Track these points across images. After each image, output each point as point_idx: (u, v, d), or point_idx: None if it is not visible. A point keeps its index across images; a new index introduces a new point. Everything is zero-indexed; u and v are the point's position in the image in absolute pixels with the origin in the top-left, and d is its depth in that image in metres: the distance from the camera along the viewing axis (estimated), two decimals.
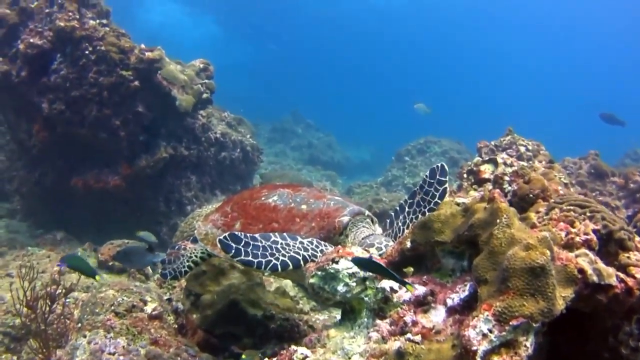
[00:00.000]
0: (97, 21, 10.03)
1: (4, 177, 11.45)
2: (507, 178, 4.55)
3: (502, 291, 2.89)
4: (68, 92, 9.64)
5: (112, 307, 4.64)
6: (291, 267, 3.88)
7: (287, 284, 8.05)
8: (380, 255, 3.97)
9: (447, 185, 4.22)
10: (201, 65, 10.92)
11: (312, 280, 3.90)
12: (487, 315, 2.81)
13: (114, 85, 9.65)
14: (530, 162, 7.53)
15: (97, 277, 5.01)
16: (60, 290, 5.82)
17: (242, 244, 3.79)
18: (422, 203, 4.27)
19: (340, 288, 3.82)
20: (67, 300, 6.52)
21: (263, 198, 4.62)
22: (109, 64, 9.64)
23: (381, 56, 62.84)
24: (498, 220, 3.26)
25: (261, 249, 3.85)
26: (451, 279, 3.75)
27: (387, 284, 3.74)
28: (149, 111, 10.03)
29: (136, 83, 9.69)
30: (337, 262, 3.87)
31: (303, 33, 57.47)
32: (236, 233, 3.84)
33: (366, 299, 3.74)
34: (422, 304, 3.63)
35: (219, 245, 3.75)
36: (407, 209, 4.37)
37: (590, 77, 59.66)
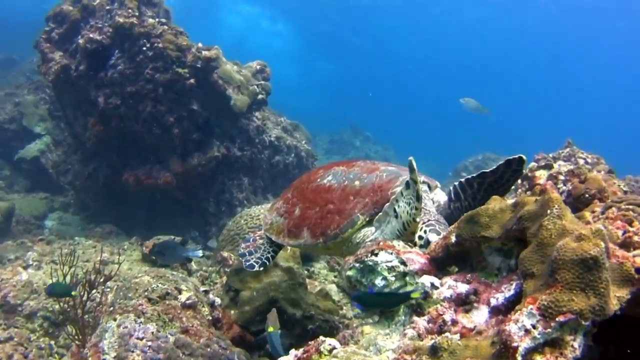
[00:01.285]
0: (157, 19, 10.09)
1: (59, 170, 11.64)
2: (562, 177, 4.29)
3: (549, 284, 2.64)
4: (124, 88, 9.73)
5: (146, 293, 4.53)
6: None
7: (332, 288, 7.87)
8: (422, 248, 3.74)
9: (522, 173, 4.05)
10: (258, 67, 10.89)
11: (349, 273, 3.72)
12: (532, 309, 2.56)
13: (170, 82, 9.69)
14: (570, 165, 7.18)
15: (73, 293, 5.24)
16: (100, 279, 5.81)
17: None
18: (494, 186, 4.08)
19: (378, 282, 3.64)
20: (107, 288, 6.52)
21: (319, 179, 4.58)
22: (165, 61, 9.68)
23: (443, 72, 62.30)
24: (549, 211, 3.01)
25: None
26: (497, 278, 3.51)
27: (427, 279, 3.52)
28: (203, 110, 10.02)
29: (192, 81, 9.70)
30: (376, 255, 3.68)
31: (368, 47, 57.49)
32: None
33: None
34: (464, 303, 3.40)
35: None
36: (475, 187, 4.10)
37: None
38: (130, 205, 10.60)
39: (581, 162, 8.14)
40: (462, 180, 4.13)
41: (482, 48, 57.18)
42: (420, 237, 3.87)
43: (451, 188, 4.19)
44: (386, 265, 3.62)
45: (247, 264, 5.14)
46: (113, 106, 9.73)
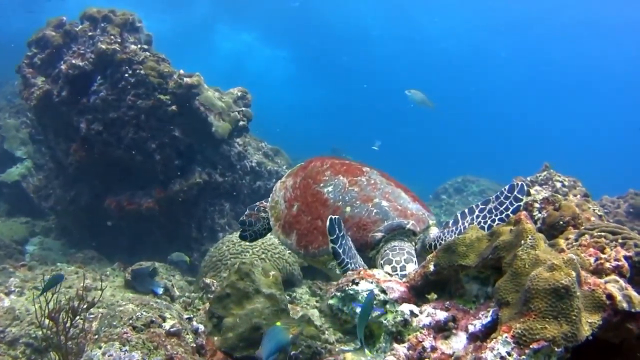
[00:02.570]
0: (139, 46, 10.20)
1: (41, 194, 11.63)
2: (537, 205, 4.41)
3: (523, 313, 2.77)
4: (106, 114, 9.80)
5: (130, 321, 4.58)
6: None
7: (314, 313, 7.94)
8: (402, 277, 3.81)
9: (522, 203, 4.10)
10: (239, 93, 10.99)
11: (330, 302, 3.82)
12: (506, 337, 2.68)
13: (152, 109, 9.78)
14: (565, 196, 7.33)
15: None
16: (83, 305, 5.83)
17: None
18: (494, 211, 4.15)
19: (359, 310, 3.73)
20: (90, 315, 6.54)
21: (322, 185, 4.67)
22: (147, 87, 9.78)
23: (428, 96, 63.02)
24: (523, 242, 3.14)
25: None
26: (475, 305, 3.63)
27: (406, 307, 3.63)
28: (185, 136, 10.09)
29: (174, 108, 9.79)
30: (357, 284, 3.78)
31: (358, 72, 58.18)
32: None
33: (384, 322, 3.63)
34: (442, 330, 3.51)
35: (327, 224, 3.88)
36: (476, 212, 4.23)
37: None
38: (112, 231, 10.58)
39: (558, 184, 8.34)
40: (466, 208, 4.31)
41: (470, 74, 58.14)
42: (394, 268, 3.98)
43: (451, 220, 4.34)
44: (366, 294, 3.72)
45: (243, 234, 5.66)
46: (95, 132, 9.79)
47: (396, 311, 3.61)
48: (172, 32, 38.79)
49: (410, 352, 3.42)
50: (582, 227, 4.11)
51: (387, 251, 3.99)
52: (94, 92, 9.86)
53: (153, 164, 9.96)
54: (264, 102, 11.64)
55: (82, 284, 7.59)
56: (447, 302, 3.71)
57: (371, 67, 56.81)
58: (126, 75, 9.74)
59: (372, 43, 53.44)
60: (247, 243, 8.55)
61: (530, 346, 2.66)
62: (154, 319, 4.75)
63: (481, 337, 3.42)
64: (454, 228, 4.24)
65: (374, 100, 60.75)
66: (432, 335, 3.49)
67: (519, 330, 2.68)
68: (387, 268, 3.80)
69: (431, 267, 3.78)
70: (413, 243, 4.23)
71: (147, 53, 10.07)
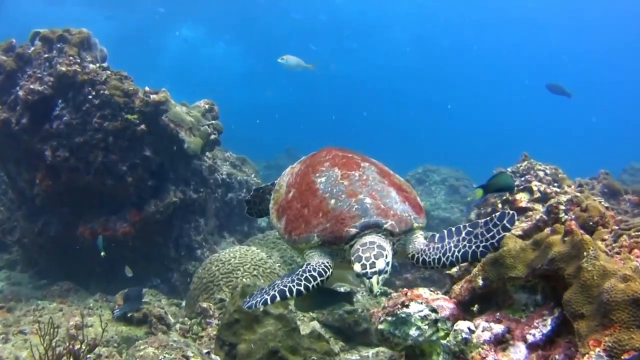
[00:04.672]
0: (97, 64, 10.06)
1: (4, 228, 11.32)
2: (562, 207, 4.57)
3: (605, 325, 2.91)
4: (72, 139, 9.62)
5: None
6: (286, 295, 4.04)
7: (314, 325, 8.02)
8: (372, 275, 3.81)
9: (509, 233, 4.03)
10: (206, 106, 10.96)
11: (381, 327, 3.90)
12: (599, 352, 2.83)
13: (120, 130, 9.66)
14: (560, 186, 7.58)
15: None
16: (84, 348, 5.70)
17: (254, 297, 4.12)
18: (480, 237, 4.12)
19: (413, 332, 3.83)
20: (89, 357, 6.41)
21: (317, 175, 4.75)
22: (113, 108, 9.65)
23: (370, 89, 64.00)
24: (585, 253, 3.28)
25: (268, 288, 4.15)
26: (524, 314, 3.76)
27: (464, 324, 3.75)
28: (156, 155, 10.02)
29: (143, 127, 9.70)
30: (407, 306, 3.88)
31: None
32: (253, 292, 4.16)
33: (444, 341, 3.74)
34: (500, 342, 3.64)
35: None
36: (463, 234, 4.24)
37: (581, 93, 60.60)
38: (85, 259, 10.41)
39: (541, 174, 8.61)
40: (453, 227, 4.32)
41: (413, 61, 59.14)
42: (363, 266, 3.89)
43: (425, 257, 4.27)
44: (419, 316, 3.82)
45: (249, 211, 5.94)
46: (61, 159, 9.60)
47: (454, 330, 3.71)
48: (116, 33, 38.37)
49: None
50: (614, 227, 4.28)
51: (358, 247, 3.99)
52: (57, 117, 9.67)
53: (125, 187, 9.86)
54: (218, 100, 11.55)
55: (72, 322, 7.51)
56: (498, 314, 3.84)
57: (330, 62, 57.20)
58: (90, 97, 9.59)
59: (330, 37, 53.69)
60: (237, 261, 8.57)
61: (622, 357, 2.80)
62: None
63: (542, 346, 3.57)
64: (439, 245, 4.25)
65: (331, 96, 61.33)
66: (493, 350, 3.61)
67: (609, 343, 2.83)
68: (357, 266, 3.79)
69: (480, 282, 3.90)
70: (390, 242, 4.21)
71: (109, 72, 9.95)
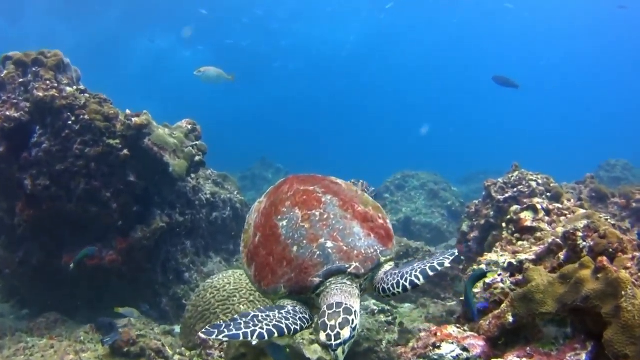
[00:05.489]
0: (75, 87, 9.94)
1: None
2: (580, 234, 4.62)
3: None
4: (52, 166, 9.48)
5: None
6: (276, 334, 3.96)
7: (316, 349, 8.00)
8: (337, 347, 3.74)
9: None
10: (189, 127, 10.87)
11: None
12: None
13: (102, 156, 9.54)
14: (558, 200, 7.66)
15: None
16: None
17: (223, 327, 3.94)
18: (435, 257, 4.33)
19: None
20: None
21: (279, 217, 4.74)
22: (94, 133, 9.52)
23: (342, 95, 64.72)
24: (623, 292, 3.34)
25: (243, 323, 3.99)
26: (555, 347, 3.83)
27: None
28: (140, 180, 9.91)
29: (125, 152, 9.59)
30: (439, 347, 3.91)
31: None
32: (216, 324, 3.99)
33: None
34: None
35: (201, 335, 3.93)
36: (417, 262, 4.39)
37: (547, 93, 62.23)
38: (70, 287, 10.27)
39: (534, 184, 8.72)
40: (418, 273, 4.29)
41: (385, 68, 59.90)
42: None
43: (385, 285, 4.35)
44: (451, 357, 3.85)
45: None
46: (42, 187, 9.46)
47: None
48: (80, 44, 38.03)
49: None
50: (634, 253, 4.35)
51: (324, 309, 3.92)
52: (36, 144, 9.53)
53: (110, 214, 9.74)
54: (190, 109, 11.43)
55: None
56: (528, 348, 3.90)
57: (302, 72, 57.75)
58: (69, 122, 9.46)
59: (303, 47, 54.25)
60: (232, 287, 8.54)
61: None
62: None
63: None
64: (396, 272, 4.34)
65: (304, 104, 61.72)
66: None
67: None
68: (322, 335, 3.75)
69: (510, 319, 3.94)
70: (357, 285, 4.26)
71: (87, 95, 9.82)
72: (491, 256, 5.66)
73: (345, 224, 4.55)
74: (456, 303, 10.58)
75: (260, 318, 4.04)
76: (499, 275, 5.19)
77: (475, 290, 5.27)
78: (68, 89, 9.83)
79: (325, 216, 4.59)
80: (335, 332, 3.73)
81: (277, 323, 4.01)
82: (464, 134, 63.76)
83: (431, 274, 4.10)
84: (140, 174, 9.95)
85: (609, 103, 63.07)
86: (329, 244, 4.35)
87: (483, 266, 4.65)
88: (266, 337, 3.92)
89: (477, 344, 3.95)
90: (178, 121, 11.19)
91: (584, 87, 62.55)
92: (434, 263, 4.22)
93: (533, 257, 5.20)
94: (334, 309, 3.89)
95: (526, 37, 55.33)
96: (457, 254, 4.36)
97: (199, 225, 11.65)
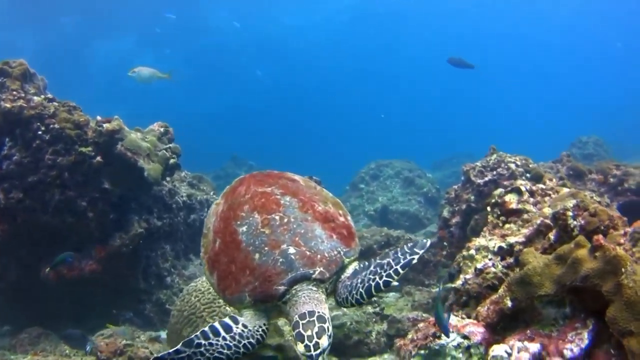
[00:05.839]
0: (42, 96, 9.79)
1: None
2: (570, 213, 4.65)
3: None
4: (24, 179, 9.34)
5: None
6: None
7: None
8: (318, 357, 3.76)
9: (417, 256, 4.09)
10: (161, 129, 10.76)
11: None
12: None
13: (75, 165, 9.43)
14: (539, 180, 7.71)
15: None
16: None
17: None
18: (385, 267, 4.17)
19: None
20: None
21: (239, 223, 4.64)
22: (65, 142, 9.40)
23: (310, 89, 65.03)
24: (623, 269, 3.37)
25: (186, 358, 4.05)
26: (555, 328, 3.86)
27: (501, 349, 3.80)
28: (115, 186, 9.81)
29: (99, 159, 9.48)
30: (439, 337, 3.90)
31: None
32: (161, 355, 4.07)
33: None
34: None
35: None
36: (371, 267, 4.27)
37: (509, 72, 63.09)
38: (51, 301, 10.14)
39: (512, 166, 8.77)
40: (366, 262, 4.37)
41: (354, 55, 60.23)
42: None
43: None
44: (452, 345, 3.86)
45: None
46: (15, 201, 9.31)
47: (492, 357, 3.76)
48: (40, 52, 37.55)
49: None
50: (626, 229, 4.39)
51: (297, 319, 3.91)
52: (6, 157, 9.39)
53: (87, 223, 9.64)
54: (156, 112, 11.25)
55: None
56: (528, 331, 3.93)
57: (268, 68, 57.81)
58: (39, 132, 9.33)
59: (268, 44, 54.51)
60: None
61: None
62: None
63: None
64: (348, 284, 4.29)
65: (271, 100, 61.75)
66: None
67: None
68: (300, 347, 3.74)
69: (509, 303, 3.96)
70: (323, 290, 4.26)
71: (56, 103, 9.69)
72: (480, 241, 5.69)
73: (307, 227, 4.50)
74: (441, 289, 10.64)
75: (203, 349, 4.05)
76: (490, 259, 5.22)
77: (467, 276, 5.30)
78: (36, 98, 9.68)
79: (286, 220, 4.53)
80: (313, 342, 3.73)
81: (218, 355, 4.03)
82: (433, 120, 64.17)
83: (383, 289, 4.07)
84: (115, 180, 9.84)
85: (575, 80, 63.96)
86: (292, 249, 4.29)
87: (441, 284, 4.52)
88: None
89: (477, 331, 3.97)
90: (149, 125, 11.06)
91: (548, 65, 63.38)
92: (388, 271, 4.13)
93: (522, 239, 5.23)
94: (307, 318, 3.88)
95: (492, 17, 55.86)
96: (417, 251, 4.13)
97: (177, 228, 11.58)
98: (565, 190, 6.53)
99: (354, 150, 43.30)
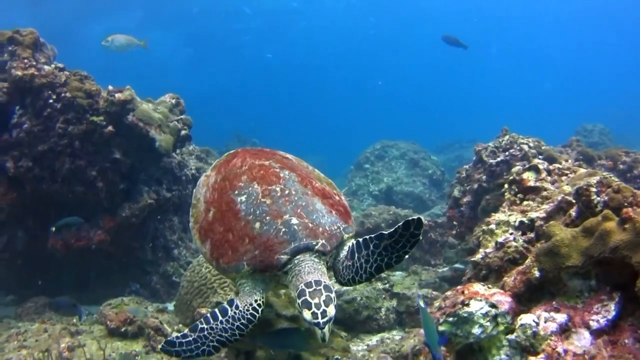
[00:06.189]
0: (53, 65, 9.79)
1: None
2: (593, 189, 4.71)
3: None
4: (34, 147, 9.38)
5: None
6: (221, 348, 4.26)
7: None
8: (325, 324, 3.77)
9: (419, 238, 4.09)
10: (173, 101, 10.78)
11: (442, 329, 3.99)
12: None
13: (86, 134, 9.46)
14: (556, 162, 7.77)
15: None
16: None
17: (176, 346, 4.24)
18: (389, 249, 4.17)
19: (476, 330, 3.95)
20: None
21: (236, 192, 4.66)
22: (77, 111, 9.43)
23: (316, 68, 64.98)
24: None
25: (193, 342, 4.24)
26: (580, 300, 3.94)
27: (529, 318, 3.88)
28: (126, 157, 9.85)
29: (110, 128, 9.51)
30: (467, 305, 3.98)
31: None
32: (170, 339, 4.30)
33: (511, 337, 3.86)
34: (564, 331, 3.78)
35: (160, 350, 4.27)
36: (371, 248, 4.26)
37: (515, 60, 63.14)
38: (55, 270, 10.21)
39: (525, 147, 8.81)
40: (360, 239, 4.36)
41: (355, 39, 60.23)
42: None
43: (350, 245, 4.41)
44: (480, 313, 3.93)
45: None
46: (25, 169, 9.35)
47: (521, 325, 3.84)
48: (40, 29, 37.34)
49: None
50: None
51: (303, 288, 3.91)
52: (16, 125, 9.40)
53: (96, 193, 9.69)
54: (159, 89, 11.20)
55: (63, 345, 7.28)
56: (554, 302, 4.01)
57: (273, 46, 57.73)
58: (50, 101, 9.35)
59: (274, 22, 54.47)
60: None
61: None
62: None
63: (608, 332, 3.73)
64: (349, 264, 4.32)
65: (277, 80, 61.71)
66: (560, 340, 3.75)
67: None
68: (307, 314, 3.75)
69: (536, 273, 4.03)
70: (324, 261, 4.28)
71: (67, 72, 9.71)
72: (499, 216, 5.76)
73: (307, 200, 4.52)
74: (447, 269, 10.76)
75: (205, 333, 4.22)
76: (511, 234, 5.29)
77: (487, 250, 5.38)
78: (46, 67, 9.69)
79: (287, 192, 4.55)
80: (321, 309, 3.74)
81: (219, 338, 4.19)
82: (437, 105, 64.17)
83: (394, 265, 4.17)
84: (126, 150, 9.89)
85: (580, 67, 63.97)
86: (294, 220, 4.30)
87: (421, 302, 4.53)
88: (214, 353, 4.20)
89: (505, 300, 4.05)
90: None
91: (553, 52, 63.36)
92: (397, 253, 4.17)
93: (543, 215, 5.30)
94: (314, 287, 3.89)
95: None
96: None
97: (185, 201, 11.62)
98: (582, 170, 6.61)
99: (356, 131, 43.33)
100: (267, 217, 4.32)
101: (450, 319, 3.98)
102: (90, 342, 7.57)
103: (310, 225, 4.30)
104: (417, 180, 20.43)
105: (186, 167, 11.85)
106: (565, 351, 3.66)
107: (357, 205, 18.48)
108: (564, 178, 6.52)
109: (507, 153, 9.16)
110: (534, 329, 3.82)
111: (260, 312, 4.27)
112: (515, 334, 3.89)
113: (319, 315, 3.71)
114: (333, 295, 3.88)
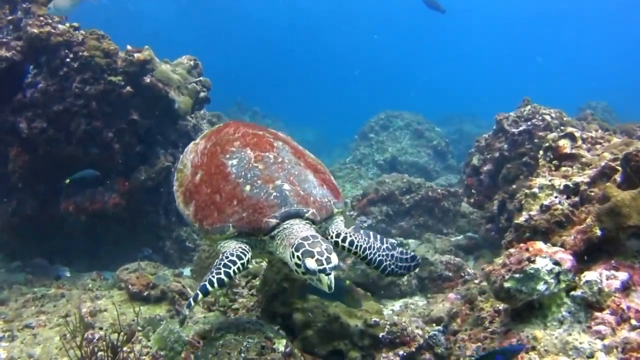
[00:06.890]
0: (67, 24, 9.75)
1: None
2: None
3: None
4: (49, 107, 9.35)
5: (242, 355, 4.48)
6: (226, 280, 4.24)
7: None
8: (330, 270, 3.88)
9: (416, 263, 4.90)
10: (191, 62, 10.79)
11: (507, 285, 4.14)
12: None
13: (103, 94, 9.46)
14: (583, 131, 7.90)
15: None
16: (121, 337, 5.25)
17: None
18: (396, 260, 4.70)
19: (541, 287, 4.09)
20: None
21: (228, 156, 4.73)
22: (94, 71, 9.42)
23: (321, 39, 64.89)
24: None
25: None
26: (637, 260, 4.10)
27: (594, 275, 4.04)
28: (143, 118, 9.87)
29: (128, 89, 9.52)
30: (533, 262, 4.12)
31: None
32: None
33: (576, 293, 4.02)
34: (625, 288, 3.96)
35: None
36: (385, 246, 4.65)
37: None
38: (68, 236, 10.24)
39: (548, 118, 8.96)
40: (371, 233, 4.68)
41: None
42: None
43: (354, 238, 4.55)
44: (546, 270, 4.08)
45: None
46: (39, 130, 9.33)
47: (587, 281, 4.00)
48: None
49: (614, 316, 3.84)
50: None
51: (300, 241, 3.94)
52: (30, 84, 9.39)
53: (112, 155, 9.72)
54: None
55: (84, 310, 7.29)
56: (612, 261, 4.16)
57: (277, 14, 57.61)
58: (67, 60, 9.34)
59: None
60: None
61: None
62: (263, 344, 4.68)
63: None
64: (366, 238, 4.55)
65: (277, 48, 61.52)
66: (623, 297, 3.92)
67: None
68: (311, 262, 3.77)
69: (598, 232, 4.19)
70: (314, 230, 4.31)
71: (83, 31, 9.68)
72: (540, 180, 5.90)
73: (300, 170, 4.59)
74: (462, 237, 10.96)
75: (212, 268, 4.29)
76: (556, 197, 5.44)
77: (532, 213, 5.53)
78: (60, 25, 9.63)
79: (280, 160, 4.61)
80: (325, 256, 3.80)
81: (225, 269, 4.17)
82: (436, 77, 64.12)
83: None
84: (144, 112, 9.91)
85: (581, 44, 64.21)
86: (286, 185, 4.35)
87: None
88: (225, 280, 4.21)
89: (567, 258, 4.19)
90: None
91: (551, 29, 63.49)
92: (400, 264, 4.73)
93: (587, 179, 5.44)
94: (312, 240, 3.94)
95: None
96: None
97: None
98: (616, 139, 6.76)
99: (357, 101, 43.29)
100: (259, 181, 4.37)
101: (517, 275, 4.12)
102: (111, 307, 7.53)
103: (302, 193, 4.38)
104: (422, 150, 20.58)
105: (200, 130, 11.90)
106: (629, 307, 3.83)
107: (363, 174, 18.69)
108: (597, 146, 6.66)
109: (529, 123, 9.29)
110: (599, 285, 3.98)
111: (249, 255, 4.28)
112: (580, 290, 4.05)
113: (324, 262, 3.77)
114: (332, 247, 3.95)
